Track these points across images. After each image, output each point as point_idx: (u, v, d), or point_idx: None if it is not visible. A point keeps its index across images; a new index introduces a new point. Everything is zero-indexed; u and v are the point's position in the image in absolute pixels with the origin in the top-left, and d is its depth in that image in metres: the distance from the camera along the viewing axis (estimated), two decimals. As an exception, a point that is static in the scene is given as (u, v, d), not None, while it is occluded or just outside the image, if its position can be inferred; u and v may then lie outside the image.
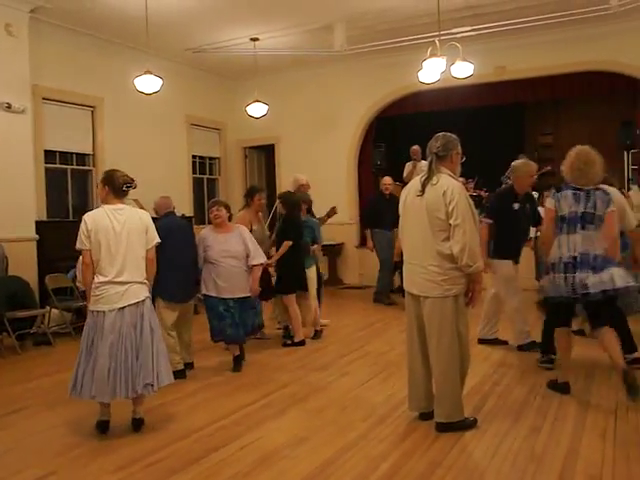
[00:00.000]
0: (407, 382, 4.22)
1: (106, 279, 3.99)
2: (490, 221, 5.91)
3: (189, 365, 5.65)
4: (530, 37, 9.35)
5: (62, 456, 3.78)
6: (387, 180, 9.25)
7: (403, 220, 4.09)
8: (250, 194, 6.79)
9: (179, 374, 5.15)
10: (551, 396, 4.60)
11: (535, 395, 4.65)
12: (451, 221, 3.74)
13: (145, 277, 4.15)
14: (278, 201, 6.88)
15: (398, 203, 4.20)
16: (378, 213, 8.93)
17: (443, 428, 3.94)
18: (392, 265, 8.98)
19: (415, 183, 4.02)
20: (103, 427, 4.12)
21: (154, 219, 4.54)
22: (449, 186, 3.77)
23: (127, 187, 4.14)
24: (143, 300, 4.09)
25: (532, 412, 4.29)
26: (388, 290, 9.22)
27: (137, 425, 4.15)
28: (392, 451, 3.69)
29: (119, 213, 4.08)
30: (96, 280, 4.01)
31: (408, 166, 10.39)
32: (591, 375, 5.12)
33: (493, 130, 11.99)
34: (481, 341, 6.23)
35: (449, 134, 4.00)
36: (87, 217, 4.08)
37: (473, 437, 3.87)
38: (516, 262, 5.96)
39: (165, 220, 5.63)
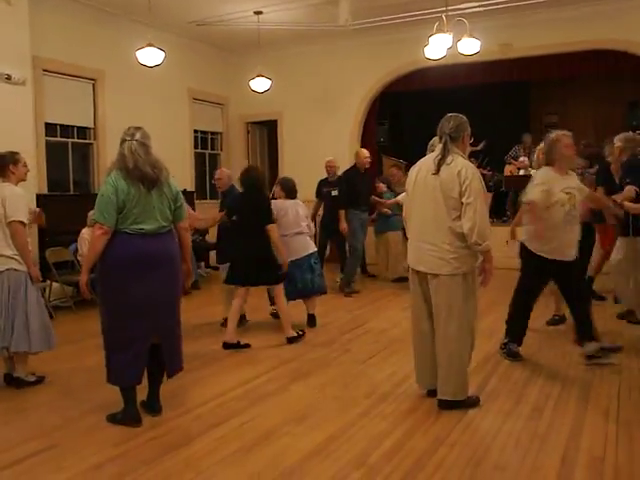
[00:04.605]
0: (415, 361, 4.21)
1: None
2: None
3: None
4: (537, 14, 9.21)
5: (62, 430, 3.77)
6: (367, 153, 8.43)
7: (412, 198, 4.08)
8: None
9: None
10: (554, 376, 4.59)
11: (538, 375, 4.63)
12: (463, 199, 3.77)
13: (14, 251, 4.43)
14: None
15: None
16: (354, 191, 8.16)
17: (447, 405, 3.94)
18: (363, 252, 8.69)
19: (426, 162, 4.03)
20: (7, 379, 4.63)
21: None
22: (463, 166, 3.82)
23: None
24: (2, 271, 4.41)
25: (534, 392, 4.28)
26: (353, 279, 8.40)
27: (16, 383, 4.58)
28: (395, 428, 3.68)
29: None
30: None
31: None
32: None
33: (498, 108, 11.86)
34: None
35: (460, 115, 4.01)
36: None
37: (476, 415, 3.86)
38: None
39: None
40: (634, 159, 5.85)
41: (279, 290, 5.79)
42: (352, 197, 8.13)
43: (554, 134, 4.84)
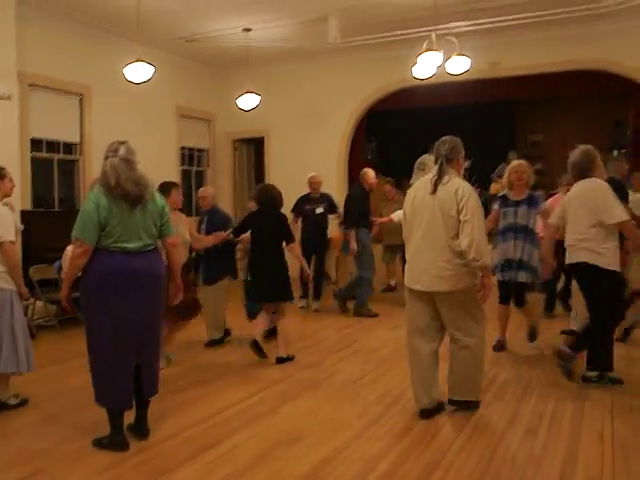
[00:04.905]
0: (412, 378, 4.22)
1: None
2: None
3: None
4: (525, 34, 9.27)
5: (47, 455, 3.65)
6: (373, 174, 8.08)
7: (411, 219, 4.16)
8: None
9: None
10: (546, 396, 4.55)
11: (530, 395, 4.60)
12: (461, 217, 3.88)
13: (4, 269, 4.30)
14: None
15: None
16: (363, 211, 7.92)
17: (458, 405, 4.18)
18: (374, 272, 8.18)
19: (423, 183, 4.16)
20: None
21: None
22: (460, 185, 3.96)
23: None
24: None
25: (527, 412, 4.24)
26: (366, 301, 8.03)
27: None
28: (389, 451, 3.62)
29: None
30: None
31: None
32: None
33: (485, 127, 11.94)
34: None
35: (455, 138, 4.16)
36: None
37: (470, 438, 3.81)
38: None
39: None
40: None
41: (288, 307, 5.83)
42: (362, 216, 7.87)
43: (584, 146, 4.78)
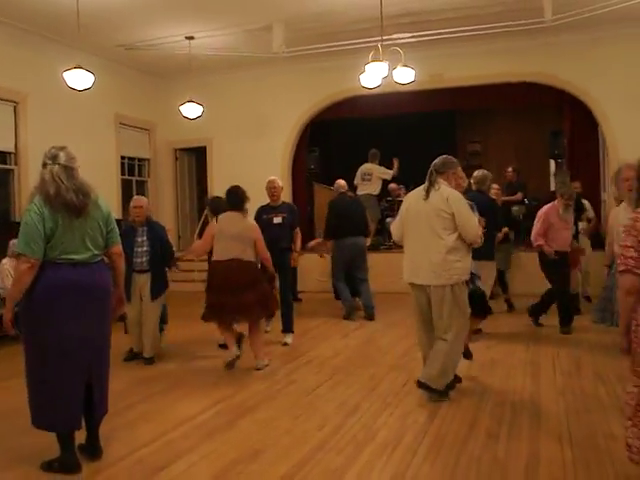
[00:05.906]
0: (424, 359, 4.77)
1: None
2: None
3: None
4: (467, 46, 9.50)
5: (-9, 481, 3.42)
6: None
7: (407, 222, 4.71)
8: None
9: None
10: (502, 401, 4.59)
11: (487, 400, 4.62)
12: (457, 221, 4.46)
13: None
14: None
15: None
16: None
17: (427, 388, 4.56)
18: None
19: (417, 192, 4.72)
20: None
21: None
22: (449, 193, 4.54)
23: None
24: None
25: (486, 418, 4.25)
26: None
27: None
28: (352, 462, 3.54)
29: None
30: None
31: None
32: (536, 377, 5.17)
33: (426, 137, 12.11)
34: None
35: (451, 157, 4.75)
36: None
37: (433, 445, 3.78)
38: None
39: None
40: (473, 193, 6.16)
41: None
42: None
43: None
